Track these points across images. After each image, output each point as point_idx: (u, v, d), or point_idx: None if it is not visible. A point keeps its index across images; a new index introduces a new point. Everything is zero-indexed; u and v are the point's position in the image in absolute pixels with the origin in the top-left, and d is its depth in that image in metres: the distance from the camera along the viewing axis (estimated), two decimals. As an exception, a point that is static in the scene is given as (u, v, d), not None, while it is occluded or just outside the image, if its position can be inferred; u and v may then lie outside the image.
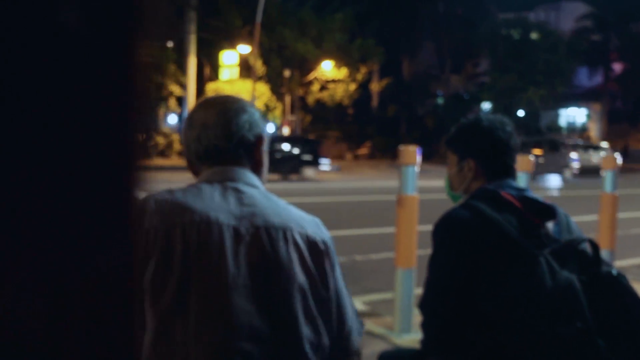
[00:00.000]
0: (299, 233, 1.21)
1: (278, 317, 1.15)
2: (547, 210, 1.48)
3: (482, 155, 1.61)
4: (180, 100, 24.90)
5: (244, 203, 1.20)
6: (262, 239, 1.17)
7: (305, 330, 1.17)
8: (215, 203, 1.18)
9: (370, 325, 3.77)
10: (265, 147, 1.33)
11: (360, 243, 7.08)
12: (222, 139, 1.25)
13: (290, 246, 1.19)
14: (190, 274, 1.12)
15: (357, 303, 4.38)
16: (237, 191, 1.22)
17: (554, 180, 19.45)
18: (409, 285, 3.52)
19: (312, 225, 1.26)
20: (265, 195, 1.26)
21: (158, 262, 1.13)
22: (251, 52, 23.56)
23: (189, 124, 1.29)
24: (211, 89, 25.41)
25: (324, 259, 1.23)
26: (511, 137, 1.61)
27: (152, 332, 1.13)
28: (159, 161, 17.40)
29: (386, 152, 30.36)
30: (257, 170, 1.30)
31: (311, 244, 1.22)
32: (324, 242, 1.25)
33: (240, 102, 1.31)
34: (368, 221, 9.07)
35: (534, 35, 31.67)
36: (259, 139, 1.30)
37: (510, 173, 1.61)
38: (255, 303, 1.14)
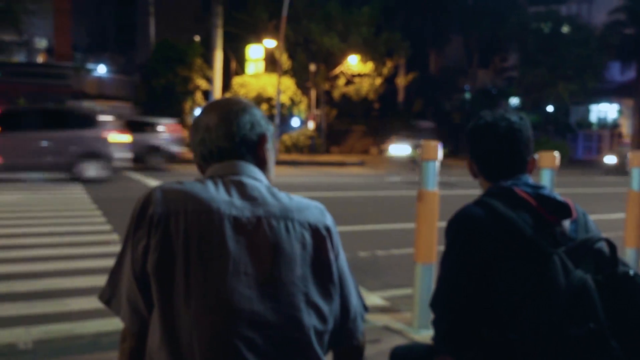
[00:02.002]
0: (300, 222, 1.24)
1: (280, 305, 1.17)
2: (563, 208, 1.45)
3: (477, 156, 1.64)
4: (207, 94, 25.12)
5: (247, 195, 1.24)
6: (264, 229, 1.20)
7: (308, 317, 1.19)
8: (217, 195, 1.22)
9: (389, 320, 3.76)
10: (269, 146, 1.37)
11: (383, 238, 7.06)
12: (224, 140, 1.30)
13: (292, 235, 1.22)
14: (192, 260, 1.16)
15: (377, 298, 4.38)
16: (240, 184, 1.26)
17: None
18: (429, 281, 3.49)
19: (315, 212, 1.28)
20: (268, 187, 1.29)
21: (160, 247, 1.17)
22: (277, 46, 23.61)
23: (194, 128, 1.35)
24: (237, 82, 25.58)
25: (326, 245, 1.25)
26: (512, 138, 1.57)
27: (158, 315, 1.16)
28: (185, 154, 17.59)
29: (412, 147, 30.15)
30: (261, 167, 1.34)
31: (313, 231, 1.25)
32: (327, 228, 1.27)
33: (241, 103, 1.36)
34: (390, 216, 9.04)
35: (564, 29, 30.93)
36: (262, 137, 1.34)
37: (507, 173, 1.57)
38: (257, 290, 1.16)
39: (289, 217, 1.22)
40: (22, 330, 3.49)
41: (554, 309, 1.30)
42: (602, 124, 35.24)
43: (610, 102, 35.04)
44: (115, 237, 6.41)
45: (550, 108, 32.28)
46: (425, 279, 3.52)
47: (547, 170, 3.82)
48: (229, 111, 1.32)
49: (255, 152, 1.33)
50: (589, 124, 35.21)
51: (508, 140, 1.56)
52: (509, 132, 1.56)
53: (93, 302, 3.95)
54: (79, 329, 3.55)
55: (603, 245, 1.41)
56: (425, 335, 3.40)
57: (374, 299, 4.35)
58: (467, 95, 36.02)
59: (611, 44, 30.69)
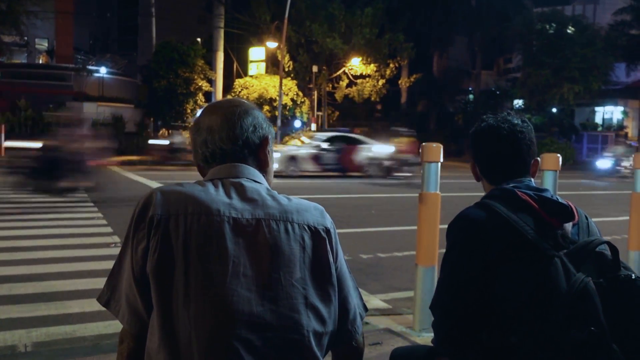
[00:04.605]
0: (299, 223, 1.24)
1: (279, 307, 1.17)
2: (565, 211, 1.44)
3: (480, 159, 1.64)
4: (209, 96, 25.12)
5: (246, 197, 1.24)
6: (263, 231, 1.20)
7: (307, 319, 1.19)
8: (217, 197, 1.22)
9: (390, 323, 3.74)
10: (270, 148, 1.37)
11: (384, 241, 7.04)
12: (227, 142, 1.30)
13: (291, 237, 1.22)
14: (191, 262, 1.16)
15: (379, 301, 4.36)
16: (240, 186, 1.26)
17: None
18: (430, 283, 3.47)
19: (315, 214, 1.28)
20: (268, 190, 1.29)
21: (160, 249, 1.17)
22: (279, 48, 23.60)
23: (196, 129, 1.34)
24: (239, 84, 25.57)
25: (325, 247, 1.25)
26: (515, 140, 1.56)
27: (157, 317, 1.16)
28: (188, 156, 17.58)
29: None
30: (262, 169, 1.34)
31: (312, 233, 1.25)
32: (326, 230, 1.27)
33: (244, 105, 1.36)
34: (393, 219, 9.01)
35: (569, 30, 30.74)
36: (264, 140, 1.34)
37: (509, 176, 1.56)
38: (256, 292, 1.16)
39: (288, 219, 1.23)
40: (23, 332, 3.48)
41: (555, 312, 1.29)
42: (608, 125, 35.06)
43: (616, 104, 34.86)
44: (116, 238, 6.41)
45: (554, 110, 32.14)
46: (427, 281, 3.50)
47: (549, 172, 3.80)
48: (232, 113, 1.32)
49: (257, 154, 1.33)
50: (594, 126, 35.03)
51: (510, 143, 1.56)
52: (510, 135, 1.56)
53: (94, 305, 3.94)
54: (80, 332, 3.54)
55: (605, 248, 1.40)
56: (427, 337, 3.38)
57: (375, 301, 4.33)
58: (471, 97, 35.94)
59: (617, 45, 30.49)
